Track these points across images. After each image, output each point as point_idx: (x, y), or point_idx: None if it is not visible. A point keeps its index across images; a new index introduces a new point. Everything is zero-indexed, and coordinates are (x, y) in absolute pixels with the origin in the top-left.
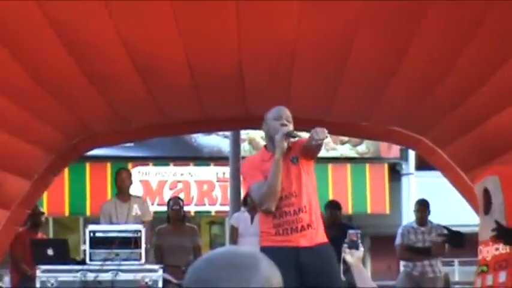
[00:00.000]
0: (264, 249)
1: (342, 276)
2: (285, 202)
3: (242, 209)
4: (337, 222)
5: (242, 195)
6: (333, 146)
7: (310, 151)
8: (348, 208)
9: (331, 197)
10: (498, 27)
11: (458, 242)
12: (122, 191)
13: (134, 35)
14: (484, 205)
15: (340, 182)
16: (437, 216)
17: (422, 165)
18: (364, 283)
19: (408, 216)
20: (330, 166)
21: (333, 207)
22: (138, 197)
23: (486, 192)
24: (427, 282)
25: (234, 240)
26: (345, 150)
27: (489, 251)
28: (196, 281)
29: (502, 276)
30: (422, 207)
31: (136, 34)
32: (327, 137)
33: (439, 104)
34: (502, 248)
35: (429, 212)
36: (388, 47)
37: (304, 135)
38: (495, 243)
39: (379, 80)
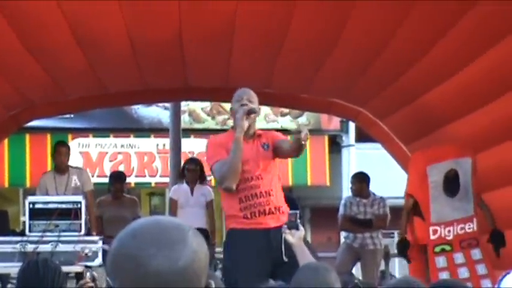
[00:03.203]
0: (233, 232)
1: (284, 257)
2: (251, 184)
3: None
4: None
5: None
6: (273, 118)
7: (292, 152)
8: (288, 180)
9: None
10: None
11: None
12: (60, 166)
13: (74, 6)
14: (449, 187)
15: None
16: (377, 188)
17: (362, 137)
18: (306, 261)
19: (348, 188)
20: None
21: None
22: (77, 167)
23: (450, 174)
24: (367, 254)
25: (173, 213)
26: (286, 122)
27: (451, 231)
28: (124, 257)
29: (476, 254)
30: (357, 180)
31: (76, 4)
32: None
33: (378, 75)
34: (468, 227)
35: (368, 184)
36: (328, 18)
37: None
38: (461, 223)
39: (318, 51)
